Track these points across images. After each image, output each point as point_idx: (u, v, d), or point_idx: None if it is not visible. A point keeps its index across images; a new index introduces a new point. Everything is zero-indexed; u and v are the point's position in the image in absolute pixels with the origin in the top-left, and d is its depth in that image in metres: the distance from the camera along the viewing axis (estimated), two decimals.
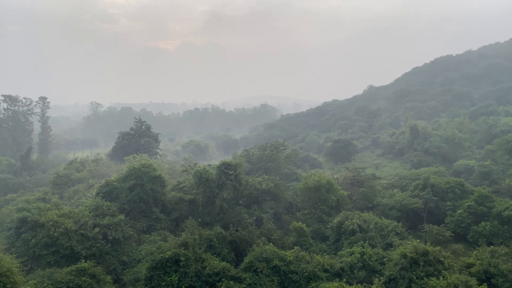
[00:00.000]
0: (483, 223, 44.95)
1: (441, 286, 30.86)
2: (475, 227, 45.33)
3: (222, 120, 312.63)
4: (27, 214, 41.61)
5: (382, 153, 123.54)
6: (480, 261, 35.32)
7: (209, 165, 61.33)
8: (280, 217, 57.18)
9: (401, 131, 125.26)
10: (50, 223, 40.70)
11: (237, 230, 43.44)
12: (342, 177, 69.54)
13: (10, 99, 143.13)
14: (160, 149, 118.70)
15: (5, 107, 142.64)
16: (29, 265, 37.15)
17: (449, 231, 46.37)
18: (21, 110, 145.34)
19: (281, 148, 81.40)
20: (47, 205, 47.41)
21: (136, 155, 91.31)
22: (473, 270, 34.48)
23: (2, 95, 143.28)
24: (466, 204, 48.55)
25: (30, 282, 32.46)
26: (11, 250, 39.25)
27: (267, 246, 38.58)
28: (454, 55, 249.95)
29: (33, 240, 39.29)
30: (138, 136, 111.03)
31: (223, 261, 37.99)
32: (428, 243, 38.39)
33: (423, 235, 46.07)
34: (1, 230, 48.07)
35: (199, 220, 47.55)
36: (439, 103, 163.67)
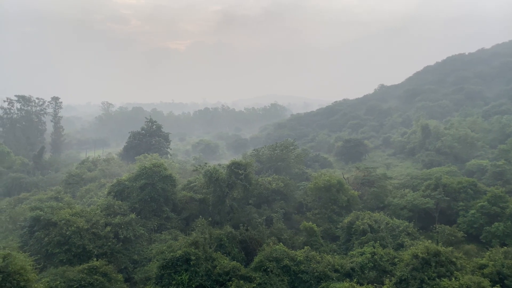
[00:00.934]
0: (496, 223, 44.39)
1: (453, 287, 30.55)
2: (488, 227, 44.81)
3: (232, 120, 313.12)
4: (40, 213, 42.14)
5: (393, 152, 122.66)
6: (493, 262, 34.88)
7: (219, 165, 61.53)
8: (290, 216, 57.12)
9: (413, 131, 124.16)
10: (63, 222, 41.21)
11: (247, 230, 43.50)
12: (352, 177, 69.25)
13: (24, 100, 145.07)
14: (170, 149, 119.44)
15: (19, 107, 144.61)
16: (42, 263, 37.64)
17: (462, 232, 45.90)
18: (34, 110, 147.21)
19: (291, 147, 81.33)
20: (60, 204, 47.95)
21: (147, 154, 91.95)
22: (486, 271, 34.06)
23: (15, 96, 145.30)
24: (479, 204, 48.00)
25: (43, 280, 32.87)
26: (25, 248, 39.77)
27: (277, 246, 38.57)
28: (466, 53, 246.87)
29: (46, 239, 39.82)
30: (149, 135, 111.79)
31: (233, 260, 38.05)
32: (440, 243, 38.04)
33: (434, 236, 45.65)
34: (15, 228, 48.83)
35: (209, 219, 47.71)
36: (451, 102, 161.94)
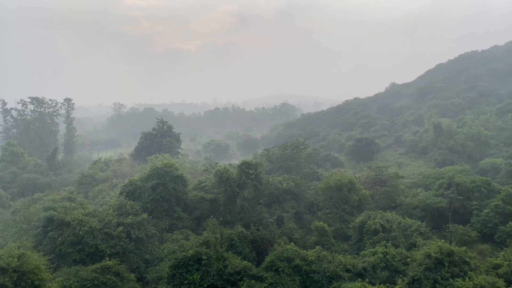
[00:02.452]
0: (510, 223, 43.72)
1: (467, 287, 30.16)
2: (502, 227, 44.17)
3: (242, 120, 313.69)
4: (54, 213, 42.64)
5: (405, 151, 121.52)
6: (507, 262, 34.35)
7: (230, 165, 61.63)
8: (301, 216, 56.97)
9: (425, 129, 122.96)
10: (76, 222, 41.65)
11: (258, 229, 43.48)
12: (364, 176, 68.83)
13: (37, 101, 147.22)
14: (181, 149, 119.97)
15: (32, 108, 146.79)
16: (56, 263, 38.08)
17: (475, 231, 45.31)
18: (47, 111, 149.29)
19: (302, 147, 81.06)
20: (73, 204, 48.46)
21: (158, 155, 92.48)
22: (500, 271, 33.56)
23: (29, 97, 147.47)
24: (493, 203, 47.34)
25: (57, 279, 33.28)
26: (39, 248, 40.26)
27: (289, 246, 38.48)
28: (479, 51, 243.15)
29: (60, 238, 40.29)
30: (160, 136, 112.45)
31: (245, 260, 38.07)
32: (453, 243, 37.58)
33: (448, 235, 45.14)
34: (29, 228, 49.47)
35: (221, 219, 47.81)
36: (464, 100, 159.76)
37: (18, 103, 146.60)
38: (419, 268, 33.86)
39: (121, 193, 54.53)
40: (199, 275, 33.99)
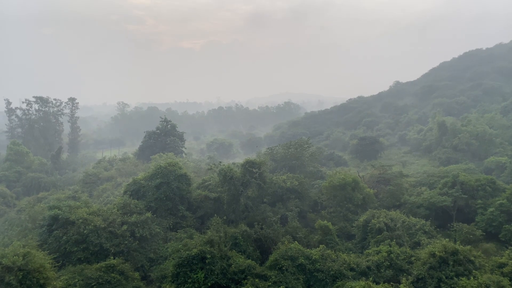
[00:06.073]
0: None
1: (472, 286, 30.06)
2: (507, 225, 43.95)
3: (246, 118, 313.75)
4: (58, 212, 42.80)
5: (409, 150, 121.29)
6: None
7: (234, 164, 61.71)
8: (305, 215, 56.94)
9: (429, 128, 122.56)
10: (80, 220, 41.80)
11: (262, 228, 43.49)
12: (368, 175, 68.69)
13: (41, 101, 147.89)
14: (185, 148, 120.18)
15: (37, 108, 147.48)
16: (61, 261, 38.25)
17: (480, 230, 45.09)
18: (51, 111, 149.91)
19: (306, 146, 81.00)
20: (77, 203, 48.59)
21: (162, 153, 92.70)
22: (505, 270, 33.40)
23: (33, 97, 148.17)
24: (498, 202, 47.09)
25: (62, 278, 33.45)
26: (44, 246, 40.41)
27: (292, 244, 38.48)
28: (484, 48, 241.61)
29: (64, 237, 40.45)
30: (164, 135, 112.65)
31: (248, 259, 38.08)
32: (457, 242, 37.48)
33: (452, 234, 44.97)
34: (34, 227, 49.73)
35: (224, 218, 47.83)
36: (469, 98, 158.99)
37: (22, 102, 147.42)
38: (424, 267, 33.79)
39: (125, 192, 54.68)
40: (203, 274, 34.04)
